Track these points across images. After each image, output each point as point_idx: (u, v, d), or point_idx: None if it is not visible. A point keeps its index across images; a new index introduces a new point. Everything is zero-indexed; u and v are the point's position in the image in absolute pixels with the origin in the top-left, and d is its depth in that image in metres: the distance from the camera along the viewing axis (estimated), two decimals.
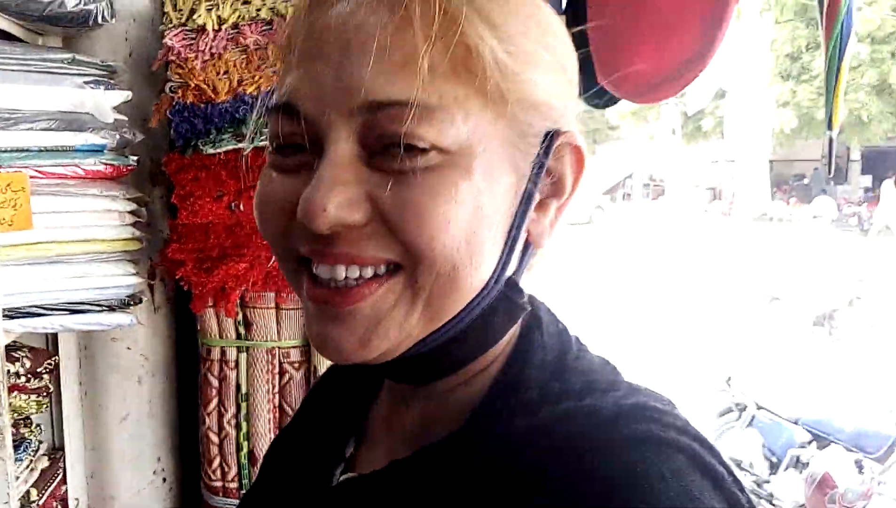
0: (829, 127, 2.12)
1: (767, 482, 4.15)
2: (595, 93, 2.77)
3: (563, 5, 2.65)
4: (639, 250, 16.79)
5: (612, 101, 2.84)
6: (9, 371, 1.48)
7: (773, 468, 4.21)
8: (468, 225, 0.44)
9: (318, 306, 0.47)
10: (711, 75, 12.10)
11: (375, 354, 0.47)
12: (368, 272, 0.45)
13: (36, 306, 1.50)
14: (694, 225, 22.02)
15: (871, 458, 3.79)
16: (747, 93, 13.09)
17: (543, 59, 0.48)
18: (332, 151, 0.44)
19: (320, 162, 0.45)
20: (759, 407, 4.43)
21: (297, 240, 0.47)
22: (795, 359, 7.23)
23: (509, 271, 0.50)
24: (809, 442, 4.11)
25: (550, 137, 0.48)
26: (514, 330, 0.53)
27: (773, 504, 4.03)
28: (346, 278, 0.45)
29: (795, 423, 4.21)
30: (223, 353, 1.69)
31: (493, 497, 0.44)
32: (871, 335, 7.63)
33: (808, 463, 3.89)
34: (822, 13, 2.09)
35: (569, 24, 1.89)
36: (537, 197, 0.49)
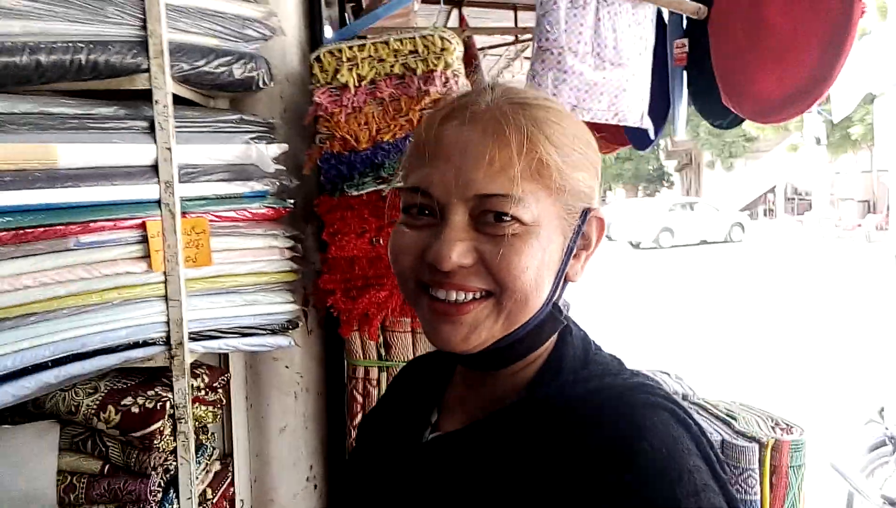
0: None
1: None
2: (718, 114, 2.80)
3: (685, 30, 2.72)
4: (782, 269, 15.86)
5: (736, 121, 2.85)
6: (192, 385, 1.73)
7: None
8: (536, 270, 0.70)
9: (437, 315, 0.71)
10: (858, 81, 11.33)
11: (472, 346, 0.71)
12: (469, 296, 0.70)
13: (214, 330, 1.75)
14: (843, 242, 20.48)
15: None
16: None
17: (583, 163, 0.74)
18: (453, 221, 0.69)
19: (444, 226, 0.70)
20: None
21: (422, 273, 0.72)
22: None
23: (555, 298, 0.76)
24: None
25: (585, 212, 0.74)
26: (553, 337, 0.78)
27: None
28: (455, 299, 0.70)
29: None
30: (367, 372, 1.88)
31: (545, 444, 0.68)
32: None
33: None
34: None
35: (691, 50, 1.97)
36: (574, 250, 0.75)
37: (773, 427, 1.82)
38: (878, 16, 14.20)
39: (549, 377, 0.74)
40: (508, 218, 0.68)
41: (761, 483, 1.71)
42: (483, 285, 0.70)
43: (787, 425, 1.83)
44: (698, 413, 1.94)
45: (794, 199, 29.69)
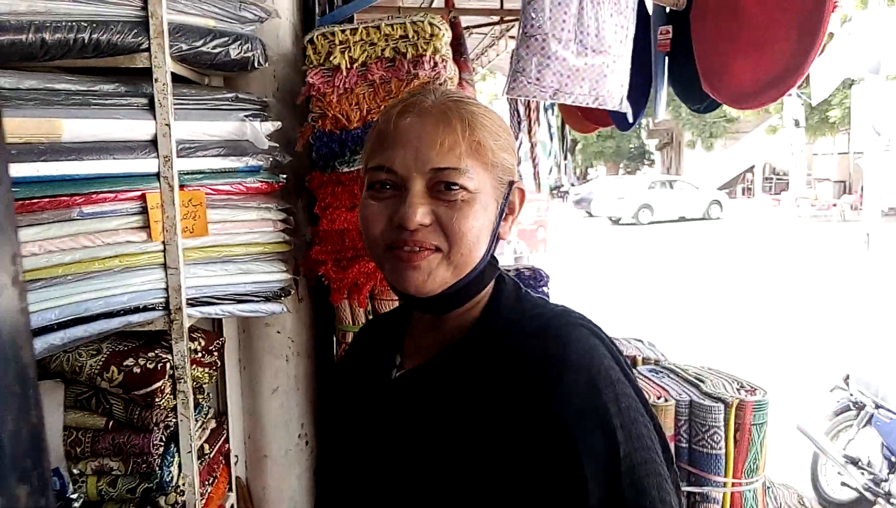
0: None
1: (885, 480, 4.06)
2: (697, 98, 2.91)
3: (668, 18, 2.81)
4: (758, 246, 16.15)
5: (713, 106, 2.97)
6: (189, 348, 1.83)
7: (892, 467, 4.10)
8: (479, 229, 0.88)
9: (401, 263, 0.87)
10: (837, 66, 11.47)
11: (428, 289, 0.88)
12: (427, 248, 0.86)
13: (210, 297, 1.85)
14: (819, 221, 20.83)
15: None
16: (876, 82, 12.30)
17: (507, 147, 0.93)
18: (414, 190, 0.86)
19: (407, 195, 0.86)
20: (878, 406, 4.31)
21: (389, 236, 0.88)
22: None
23: (492, 251, 0.93)
24: None
25: (510, 184, 0.93)
26: (491, 283, 0.96)
27: (891, 503, 3.94)
28: (416, 250, 0.86)
29: None
30: (353, 338, 1.99)
31: (491, 365, 0.86)
32: None
33: None
34: None
35: (674, 37, 2.07)
36: (503, 214, 0.93)
37: (738, 389, 1.97)
38: (858, 2, 14.36)
39: (491, 314, 0.93)
40: (457, 187, 0.86)
41: (726, 440, 1.86)
42: (437, 241, 0.87)
43: (752, 387, 1.98)
44: (669, 377, 2.08)
45: (771, 179, 30.03)
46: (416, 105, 0.89)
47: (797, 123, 19.37)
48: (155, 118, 1.64)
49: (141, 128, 1.63)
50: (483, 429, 0.83)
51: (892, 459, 4.08)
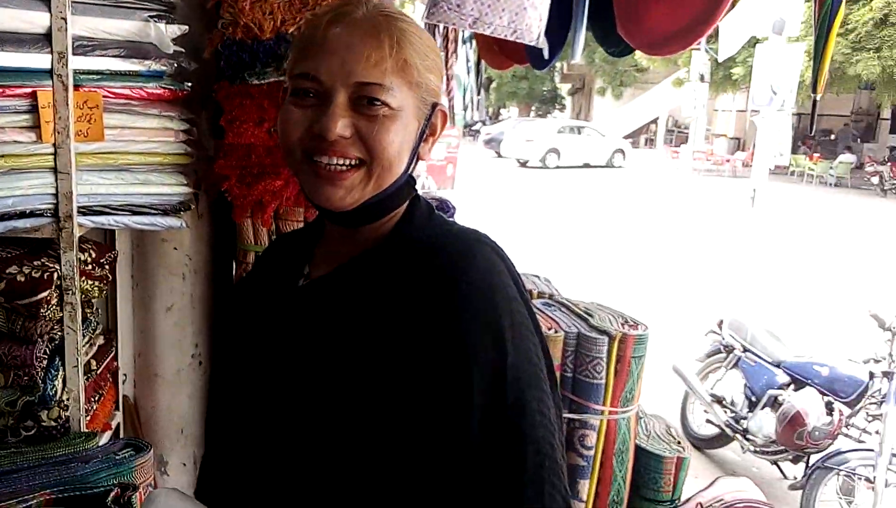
0: (814, 91, 2.31)
1: (745, 418, 4.43)
2: (613, 42, 2.95)
3: None
4: (654, 195, 16.87)
5: (628, 50, 3.02)
6: (80, 259, 1.75)
7: (752, 406, 4.47)
8: (399, 145, 0.88)
9: (321, 179, 0.88)
10: (745, 23, 11.89)
11: (347, 204, 0.89)
12: (347, 163, 0.87)
13: (103, 207, 1.76)
14: (713, 175, 21.90)
15: (842, 402, 4.05)
16: (780, 43, 12.86)
17: (434, 68, 0.92)
18: (337, 101, 0.85)
19: (329, 105, 0.85)
20: (746, 350, 4.67)
21: (308, 143, 0.87)
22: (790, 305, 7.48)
23: (410, 170, 0.95)
24: (788, 385, 4.36)
25: (434, 106, 0.94)
26: (407, 200, 0.98)
27: (748, 439, 4.31)
28: (336, 164, 0.87)
29: (777, 366, 4.46)
30: (257, 257, 1.97)
31: (397, 274, 0.89)
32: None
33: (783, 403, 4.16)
34: None
35: None
36: (425, 134, 0.94)
37: (622, 324, 2.09)
38: None
39: (402, 228, 0.95)
40: (379, 103, 0.86)
41: (607, 371, 1.98)
42: (358, 154, 0.87)
43: (634, 322, 2.11)
44: (561, 310, 2.18)
45: (673, 131, 31.13)
46: (346, 15, 0.88)
47: (702, 78, 20.09)
48: (50, 10, 1.51)
49: (34, 19, 1.51)
50: (383, 337, 0.86)
51: (753, 399, 4.46)
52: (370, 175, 0.88)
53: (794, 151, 19.47)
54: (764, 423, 4.26)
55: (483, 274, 0.87)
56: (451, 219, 1.00)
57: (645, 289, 8.06)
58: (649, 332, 2.07)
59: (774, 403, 4.31)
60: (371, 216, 0.93)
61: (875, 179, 19.44)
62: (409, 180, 0.96)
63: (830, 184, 20.52)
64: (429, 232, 0.94)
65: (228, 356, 1.06)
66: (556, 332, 1.97)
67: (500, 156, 24.73)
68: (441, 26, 3.84)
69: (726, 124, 27.87)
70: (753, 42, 13.27)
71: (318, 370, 0.89)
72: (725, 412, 4.56)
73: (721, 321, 4.93)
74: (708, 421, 4.67)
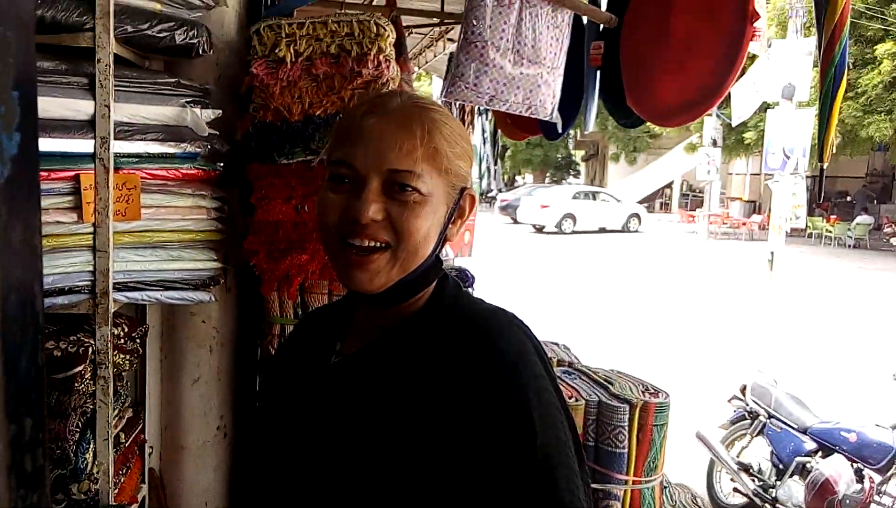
0: (821, 159, 2.37)
1: (773, 487, 4.33)
2: (624, 113, 3.04)
3: (601, 34, 2.93)
4: (672, 259, 16.83)
5: (639, 121, 3.11)
6: (113, 334, 1.80)
7: (780, 474, 4.37)
8: (427, 230, 0.93)
9: (351, 263, 0.92)
10: (757, 90, 12.13)
11: (375, 286, 0.93)
12: (375, 245, 0.91)
13: (137, 282, 1.83)
14: (729, 238, 21.86)
15: (872, 468, 3.95)
16: (790, 108, 13.06)
17: (464, 155, 0.98)
18: (370, 187, 0.91)
19: (363, 191, 0.91)
20: (771, 416, 4.59)
21: (342, 227, 0.92)
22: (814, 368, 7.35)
23: (437, 251, 0.98)
24: (815, 451, 4.27)
25: (462, 190, 0.99)
26: (436, 280, 1.02)
27: None
28: (367, 246, 0.91)
29: (804, 433, 4.38)
30: (282, 330, 2.01)
31: (428, 349, 0.93)
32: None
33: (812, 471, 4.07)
34: (820, 51, 2.33)
35: (606, 53, 2.18)
36: (453, 218, 0.98)
37: (643, 392, 2.09)
38: (777, 30, 15.17)
39: (431, 305, 0.99)
40: (410, 189, 0.91)
41: (629, 439, 1.98)
42: (387, 238, 0.92)
43: (656, 390, 2.12)
44: (581, 378, 2.19)
45: (688, 195, 31.30)
46: (381, 106, 0.94)
47: (715, 143, 20.31)
48: (94, 99, 1.61)
49: (80, 107, 1.61)
50: (413, 415, 0.89)
51: (780, 466, 4.37)
52: (396, 258, 0.92)
53: (811, 213, 19.44)
54: (793, 492, 4.17)
55: (510, 354, 0.90)
56: (477, 297, 1.06)
57: (665, 355, 7.97)
58: (671, 400, 2.07)
59: (803, 470, 4.22)
60: (400, 297, 0.97)
61: (894, 240, 19.34)
62: (436, 261, 1.00)
63: (849, 245, 20.40)
64: (457, 312, 0.98)
65: (263, 431, 1.08)
66: (576, 400, 1.98)
67: (515, 222, 24.89)
68: None
69: (741, 188, 27.97)
70: (764, 107, 13.50)
71: (351, 444, 0.91)
72: (753, 480, 4.46)
73: (744, 387, 4.86)
74: (736, 490, 4.56)
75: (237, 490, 2.20)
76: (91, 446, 1.76)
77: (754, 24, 2.35)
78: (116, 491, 1.89)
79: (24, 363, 0.44)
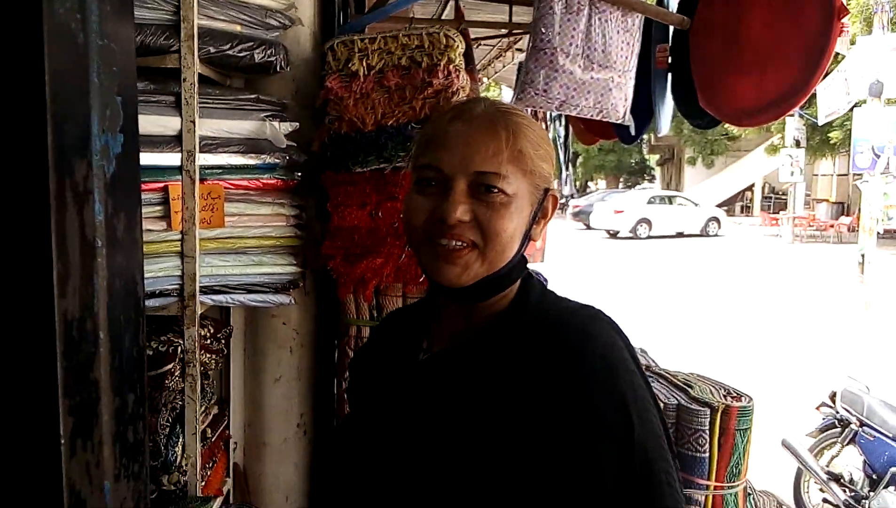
0: None
1: (866, 498, 4.13)
2: (698, 114, 3.00)
3: (669, 36, 2.91)
4: (755, 263, 16.26)
5: (714, 122, 3.06)
6: (200, 334, 1.91)
7: (874, 485, 4.17)
8: (513, 229, 0.95)
9: (440, 258, 0.94)
10: (846, 88, 11.62)
11: (463, 281, 0.94)
12: (462, 244, 0.93)
13: (222, 286, 1.93)
14: (816, 241, 20.94)
15: None
16: (878, 105, 12.45)
17: (547, 157, 0.99)
18: (457, 189, 0.93)
19: (450, 193, 0.93)
20: (863, 424, 4.39)
21: (430, 227, 0.94)
22: None
23: (522, 250, 1.00)
24: None
25: (546, 191, 1.00)
26: (520, 278, 1.03)
27: None
28: (455, 245, 0.93)
29: None
30: (359, 331, 2.08)
31: (518, 351, 0.93)
32: None
33: None
34: None
35: (677, 55, 2.18)
36: (537, 218, 1.00)
37: (724, 395, 2.05)
38: (863, 27, 14.50)
39: (519, 304, 1.00)
40: (496, 190, 0.93)
41: (710, 444, 1.94)
42: (474, 237, 0.94)
43: (738, 393, 2.07)
44: (659, 381, 2.17)
45: (770, 198, 30.18)
46: (466, 112, 0.97)
47: (798, 144, 19.53)
48: (181, 115, 1.72)
49: (167, 123, 1.72)
50: (508, 411, 0.89)
51: (874, 477, 4.16)
52: (484, 257, 0.94)
53: None
54: (888, 503, 3.97)
55: (604, 350, 0.90)
56: (562, 295, 1.04)
57: (749, 360, 7.72)
58: (754, 404, 2.02)
59: None
60: (486, 293, 0.98)
61: None
62: (521, 260, 1.00)
63: None
64: (545, 309, 0.98)
65: (351, 428, 1.12)
66: None
67: (588, 228, 24.60)
68: None
69: (827, 189, 26.79)
70: (851, 105, 12.91)
71: (444, 441, 0.92)
72: (844, 491, 4.26)
73: (833, 394, 4.66)
74: (825, 501, 4.37)
75: (320, 485, 2.28)
76: (180, 440, 1.87)
77: (842, 20, 2.28)
78: (203, 484, 1.99)
79: (127, 342, 0.50)
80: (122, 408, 0.52)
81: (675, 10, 2.83)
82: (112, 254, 0.48)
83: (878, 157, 12.38)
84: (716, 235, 23.50)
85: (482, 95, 3.67)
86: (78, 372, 0.45)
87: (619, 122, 2.56)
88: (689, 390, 2.07)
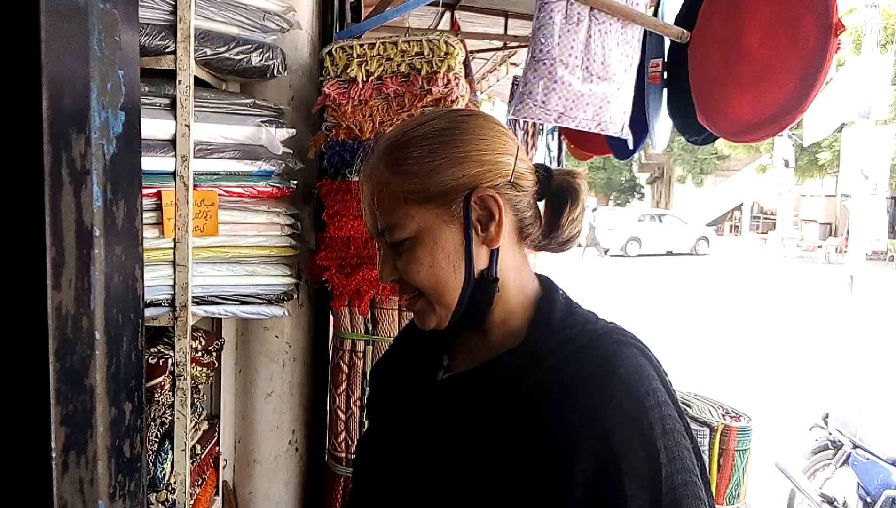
0: None
1: None
2: (695, 130, 2.98)
3: (667, 52, 2.90)
4: (743, 282, 16.31)
5: (711, 138, 3.04)
6: (191, 346, 1.85)
7: (868, 507, 4.14)
8: (430, 266, 0.89)
9: (409, 309, 0.95)
10: (833, 109, 11.69)
11: (434, 326, 0.92)
12: (413, 296, 0.93)
13: (214, 297, 1.88)
14: (804, 261, 21.08)
15: None
16: (867, 126, 12.56)
17: (447, 164, 0.88)
18: (383, 250, 0.93)
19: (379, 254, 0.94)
20: (856, 446, 4.36)
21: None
22: None
23: (485, 269, 0.92)
24: None
25: (466, 197, 0.89)
26: (537, 290, 0.97)
27: None
28: (407, 299, 0.94)
29: (893, 464, 4.14)
30: (353, 345, 2.03)
31: (544, 373, 0.87)
32: None
33: None
34: None
35: (674, 69, 2.15)
36: (478, 226, 0.90)
37: (723, 415, 2.01)
38: (852, 48, 14.66)
39: (541, 324, 0.93)
40: (400, 240, 0.89)
41: (710, 464, 1.90)
42: (410, 291, 0.93)
43: (736, 413, 2.03)
44: None
45: (759, 217, 30.37)
46: (364, 169, 0.95)
47: (787, 164, 19.67)
48: (175, 119, 1.68)
49: (161, 127, 1.67)
50: (529, 440, 0.84)
51: (868, 500, 4.12)
52: (429, 301, 0.91)
53: (893, 235, 18.58)
54: None
55: (631, 379, 0.84)
56: (589, 311, 0.97)
57: (740, 378, 7.69)
58: (753, 424, 1.99)
59: (892, 504, 3.97)
60: (473, 324, 0.94)
61: None
62: (480, 281, 0.91)
63: None
64: (570, 330, 0.91)
65: (370, 445, 1.07)
66: None
67: (579, 246, 24.65)
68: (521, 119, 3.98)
69: (815, 210, 27.01)
70: (839, 126, 13.01)
71: (462, 468, 0.88)
72: None
73: (826, 415, 4.63)
74: None
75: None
76: (169, 456, 1.80)
77: (838, 37, 2.27)
78: (192, 502, 1.92)
79: (125, 345, 0.45)
80: (118, 419, 0.47)
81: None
82: (110, 245, 0.43)
83: (867, 178, 12.48)
84: (705, 254, 23.60)
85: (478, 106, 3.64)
86: (72, 376, 0.40)
87: (617, 135, 2.54)
88: (688, 409, 2.04)
